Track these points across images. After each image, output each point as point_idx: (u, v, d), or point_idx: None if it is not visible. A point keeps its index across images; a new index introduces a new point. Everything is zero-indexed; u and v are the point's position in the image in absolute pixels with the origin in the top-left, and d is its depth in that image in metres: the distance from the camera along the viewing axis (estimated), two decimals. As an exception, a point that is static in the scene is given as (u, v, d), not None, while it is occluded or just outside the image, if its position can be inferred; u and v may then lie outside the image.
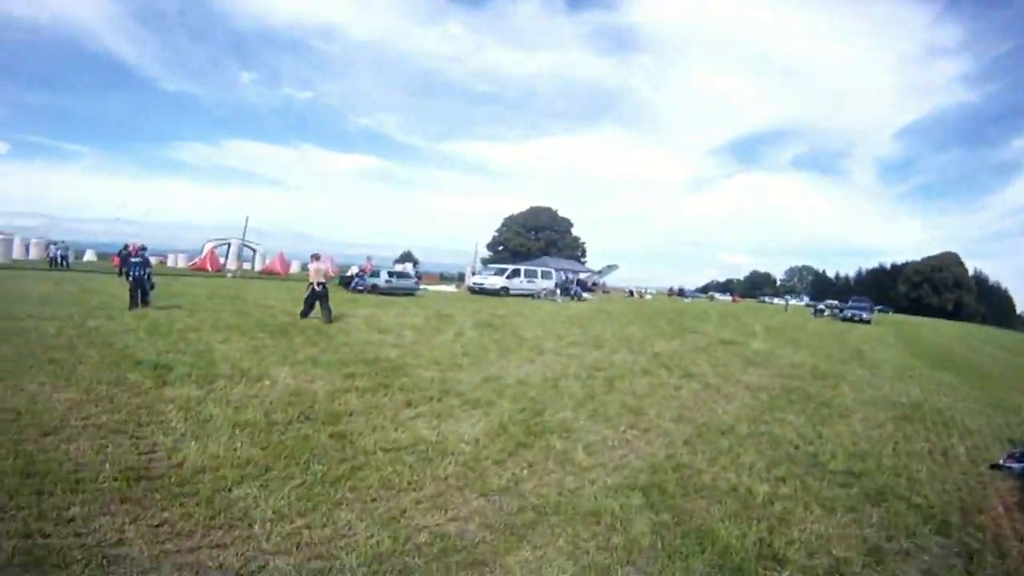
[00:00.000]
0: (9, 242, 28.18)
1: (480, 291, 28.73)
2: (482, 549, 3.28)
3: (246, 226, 31.58)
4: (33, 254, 29.83)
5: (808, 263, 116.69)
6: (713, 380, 9.05)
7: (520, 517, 3.70)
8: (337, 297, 17.66)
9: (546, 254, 63.12)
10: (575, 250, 71.83)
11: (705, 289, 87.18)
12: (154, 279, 12.37)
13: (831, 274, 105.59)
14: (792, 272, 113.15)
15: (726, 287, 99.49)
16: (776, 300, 70.21)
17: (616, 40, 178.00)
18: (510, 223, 73.32)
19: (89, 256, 35.95)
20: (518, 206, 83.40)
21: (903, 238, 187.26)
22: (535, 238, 71.08)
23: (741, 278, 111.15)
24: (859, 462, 5.49)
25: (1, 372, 5.64)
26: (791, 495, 4.48)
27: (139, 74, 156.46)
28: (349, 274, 26.02)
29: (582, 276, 45.97)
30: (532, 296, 29.42)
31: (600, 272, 55.16)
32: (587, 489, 4.24)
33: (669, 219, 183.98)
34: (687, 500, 4.21)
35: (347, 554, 3.06)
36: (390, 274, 25.39)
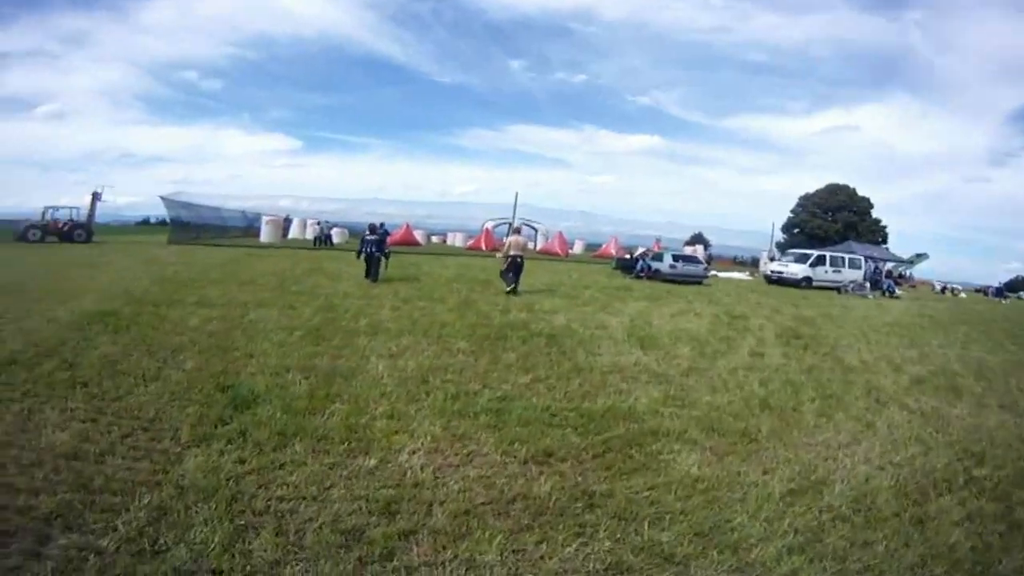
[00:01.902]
0: (277, 223, 32.72)
1: (778, 280, 25.41)
2: None
3: (516, 203, 32.10)
4: (309, 233, 33.88)
5: None
6: None
7: None
8: (613, 284, 17.12)
9: (846, 238, 53.96)
10: (875, 234, 61.07)
11: (1012, 287, 65.69)
12: (386, 256, 13.47)
13: None
14: None
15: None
16: None
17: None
18: (806, 203, 65.49)
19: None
20: (807, 185, 75.14)
21: None
22: (831, 219, 62.49)
23: None
24: None
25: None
26: None
27: (410, 69, 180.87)
28: (629, 255, 24.25)
29: (889, 266, 38.61)
30: (837, 289, 24.75)
31: (910, 262, 46.08)
32: None
33: (971, 200, 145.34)
34: None
35: None
36: (675, 258, 22.40)
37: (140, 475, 3.33)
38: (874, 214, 64.60)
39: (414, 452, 3.87)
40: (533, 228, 40.22)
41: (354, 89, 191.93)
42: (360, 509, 3.09)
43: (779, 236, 62.94)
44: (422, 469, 3.62)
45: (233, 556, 2.59)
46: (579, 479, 3.65)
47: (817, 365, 7.73)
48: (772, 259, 30.73)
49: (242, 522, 2.88)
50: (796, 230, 63.57)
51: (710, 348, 8.21)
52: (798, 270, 25.46)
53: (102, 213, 30.96)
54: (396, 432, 4.18)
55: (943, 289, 39.44)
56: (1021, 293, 54.46)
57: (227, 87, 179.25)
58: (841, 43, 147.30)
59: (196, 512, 2.92)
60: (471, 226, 43.44)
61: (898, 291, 28.17)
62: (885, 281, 27.93)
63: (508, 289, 12.39)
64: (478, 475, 3.61)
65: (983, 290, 45.54)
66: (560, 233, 38.30)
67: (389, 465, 3.67)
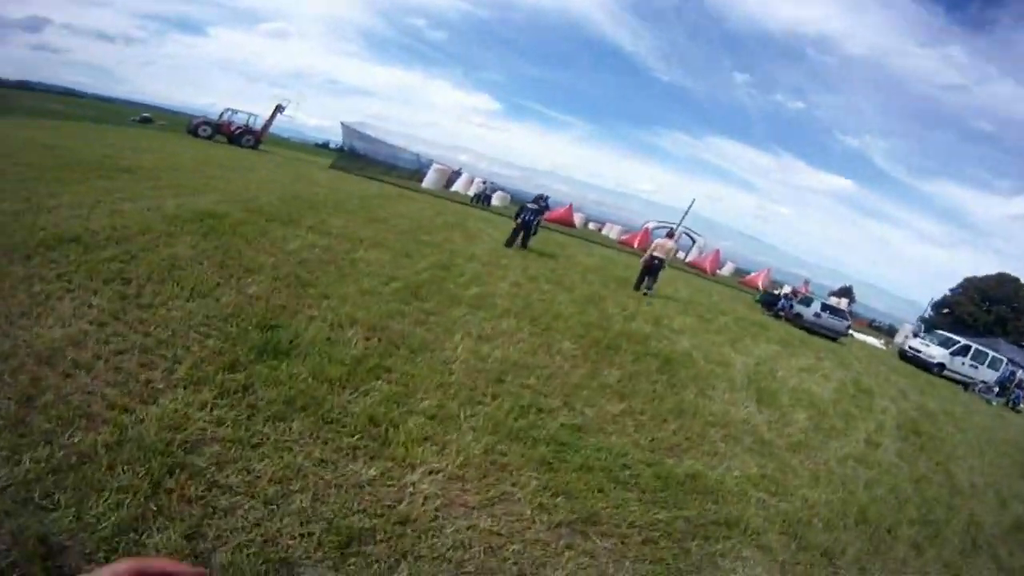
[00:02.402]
0: (444, 172, 32.07)
1: (913, 359, 23.29)
2: None
3: (689, 208, 30.27)
4: (473, 190, 31.96)
5: None
6: None
7: None
8: (751, 317, 15.79)
9: (993, 332, 48.49)
10: None
11: None
12: (540, 228, 13.34)
13: None
14: None
15: None
16: None
17: None
18: (968, 286, 60.77)
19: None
20: (977, 267, 65.77)
21: None
22: (987, 310, 56.83)
23: None
24: None
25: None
26: None
27: (634, 61, 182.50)
28: (776, 292, 23.23)
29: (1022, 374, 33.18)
30: (965, 385, 22.51)
31: None
32: None
33: None
34: None
35: None
36: (823, 307, 20.80)
37: (95, 405, 2.58)
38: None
39: (431, 474, 2.84)
40: (692, 239, 37.71)
41: (571, 67, 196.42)
42: (308, 538, 2.18)
43: (927, 312, 60.62)
44: (424, 501, 2.61)
45: (116, 549, 1.88)
46: (611, 567, 2.60)
47: (927, 477, 6.11)
48: (916, 334, 27.64)
49: (157, 507, 2.11)
50: (946, 310, 59.54)
51: (827, 422, 6.64)
52: (935, 353, 23.35)
53: (286, 128, 32.20)
54: (426, 439, 3.14)
55: None
56: None
57: (450, 39, 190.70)
58: None
59: (117, 475, 2.20)
60: (634, 221, 41.42)
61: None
62: (1016, 391, 24.76)
63: (642, 292, 11.99)
64: (487, 530, 2.57)
65: None
66: (718, 251, 35.83)
67: (389, 484, 2.68)
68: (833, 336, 19.95)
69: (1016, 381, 27.51)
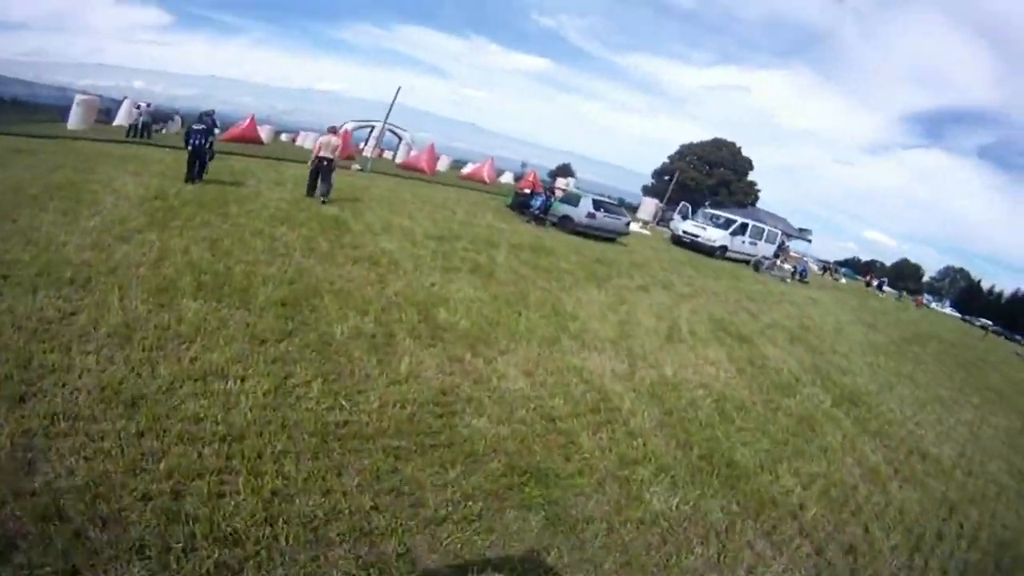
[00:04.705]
0: (91, 105, 23.45)
1: (692, 244, 21.96)
2: None
3: (395, 99, 23.36)
4: (124, 119, 24.88)
5: (959, 265, 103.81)
6: None
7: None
8: (520, 234, 12.66)
9: (716, 194, 54.70)
10: (747, 196, 61.11)
11: (843, 265, 70.03)
12: (214, 150, 11.49)
13: (985, 286, 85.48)
14: (947, 273, 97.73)
15: (867, 268, 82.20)
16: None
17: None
18: (687, 152, 63.90)
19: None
20: (686, 136, 73.92)
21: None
22: (707, 173, 61.65)
23: (888, 263, 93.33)
24: None
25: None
26: None
27: None
28: (527, 190, 18.13)
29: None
30: (755, 265, 22.45)
31: (803, 238, 41.18)
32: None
33: (832, 180, 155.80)
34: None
35: None
36: (596, 204, 16.71)
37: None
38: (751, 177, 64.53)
39: None
40: (398, 135, 33.64)
41: None
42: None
43: (648, 180, 63.72)
44: None
45: None
46: None
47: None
48: (685, 217, 26.28)
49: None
50: (667, 177, 59.65)
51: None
52: (716, 236, 22.38)
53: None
54: None
55: (824, 269, 38.88)
56: (903, 293, 55.73)
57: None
58: (772, 8, 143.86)
59: None
60: (326, 124, 36.96)
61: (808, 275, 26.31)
62: (801, 265, 26.31)
63: (318, 199, 11.12)
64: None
65: (827, 267, 42.57)
66: (432, 146, 31.35)
67: None
68: (612, 237, 17.21)
69: (786, 249, 28.85)
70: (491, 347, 5.33)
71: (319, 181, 11.39)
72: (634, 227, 22.85)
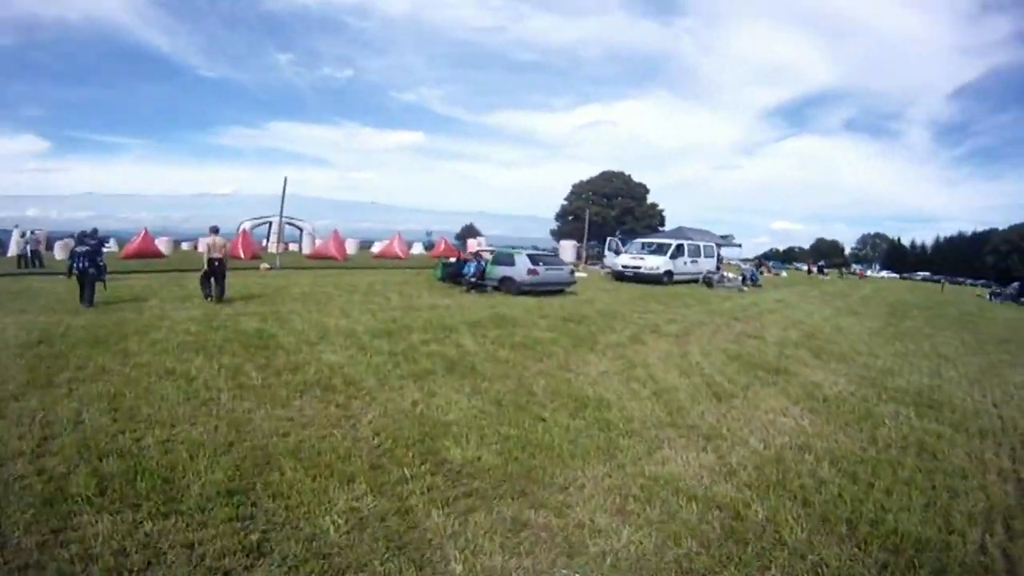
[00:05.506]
0: None
1: (636, 277, 21.44)
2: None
3: (284, 194, 23.35)
4: (13, 250, 23.28)
5: (870, 230, 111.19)
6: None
7: None
8: (473, 310, 11.78)
9: (623, 223, 57.41)
10: (652, 218, 65.12)
11: (767, 257, 76.95)
12: (106, 270, 10.99)
13: (906, 242, 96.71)
14: (865, 240, 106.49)
15: (788, 257, 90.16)
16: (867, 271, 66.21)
17: (658, 2, 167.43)
18: (580, 190, 66.50)
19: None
20: (571, 176, 78.01)
21: (963, 203, 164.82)
22: (607, 205, 64.16)
23: (806, 247, 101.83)
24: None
25: None
26: None
27: (175, 63, 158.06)
28: (453, 259, 17.80)
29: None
30: (707, 283, 22.52)
31: (726, 242, 45.16)
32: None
33: (722, 184, 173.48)
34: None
35: None
36: (534, 260, 15.71)
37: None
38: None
39: None
40: (298, 227, 33.49)
41: (115, 83, 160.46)
42: None
43: (552, 224, 64.33)
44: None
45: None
46: None
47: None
48: (616, 252, 26.54)
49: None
50: (571, 217, 62.92)
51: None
52: (659, 263, 21.94)
53: None
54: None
55: (759, 268, 40.96)
56: (843, 269, 60.75)
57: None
58: (610, 45, 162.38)
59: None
60: (228, 228, 35.67)
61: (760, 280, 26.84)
62: (748, 269, 26.90)
63: (212, 301, 11.06)
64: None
65: (762, 264, 46.32)
66: (336, 231, 30.89)
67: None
68: (560, 290, 16.40)
69: (722, 260, 29.16)
70: (547, 487, 3.82)
71: (213, 284, 11.29)
72: (579, 274, 22.30)
